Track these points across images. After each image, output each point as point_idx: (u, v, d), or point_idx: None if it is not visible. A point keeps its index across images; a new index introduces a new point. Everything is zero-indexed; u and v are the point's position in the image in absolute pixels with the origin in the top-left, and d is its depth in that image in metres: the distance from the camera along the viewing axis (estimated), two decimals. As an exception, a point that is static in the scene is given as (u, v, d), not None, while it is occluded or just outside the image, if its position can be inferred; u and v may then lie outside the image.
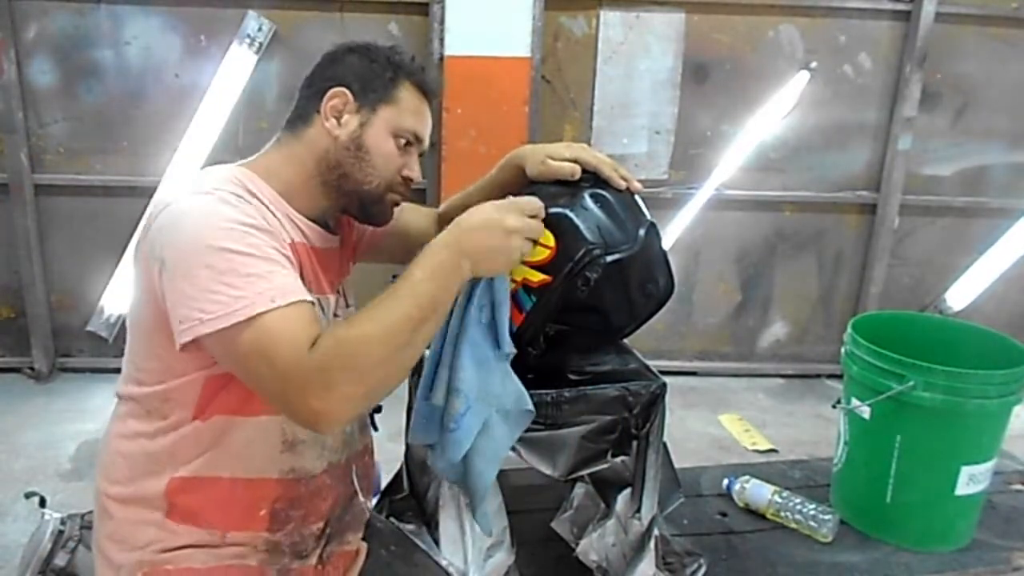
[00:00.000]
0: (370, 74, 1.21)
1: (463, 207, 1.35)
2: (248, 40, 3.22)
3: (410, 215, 1.49)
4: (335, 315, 1.27)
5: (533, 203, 1.14)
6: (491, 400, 1.15)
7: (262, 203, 1.14)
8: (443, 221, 1.44)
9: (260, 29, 3.22)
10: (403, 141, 1.23)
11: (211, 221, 1.04)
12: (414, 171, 1.26)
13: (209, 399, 1.13)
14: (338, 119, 1.20)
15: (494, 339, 1.16)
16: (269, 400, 1.06)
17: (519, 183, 1.32)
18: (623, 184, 1.27)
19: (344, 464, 1.31)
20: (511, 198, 1.16)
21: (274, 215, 1.15)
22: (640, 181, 1.31)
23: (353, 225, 1.39)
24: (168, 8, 3.25)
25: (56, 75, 3.29)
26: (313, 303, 1.07)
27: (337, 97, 1.19)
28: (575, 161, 1.27)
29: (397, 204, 1.28)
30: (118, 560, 1.17)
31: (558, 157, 1.27)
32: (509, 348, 1.16)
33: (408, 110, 1.23)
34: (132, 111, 3.34)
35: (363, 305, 1.06)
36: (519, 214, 1.11)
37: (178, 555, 1.16)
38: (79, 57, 3.27)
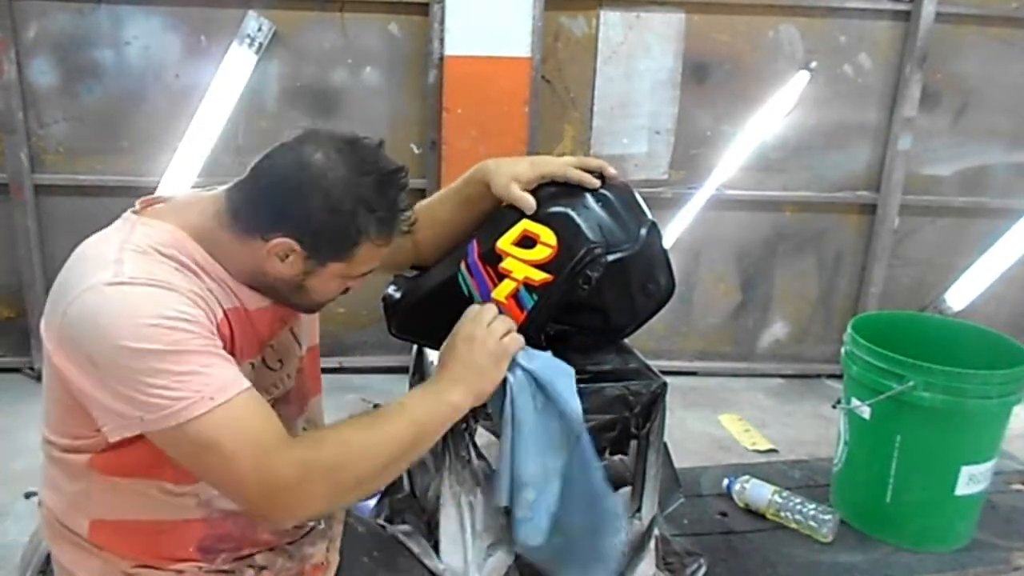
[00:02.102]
0: (328, 231, 1.08)
1: (429, 216, 1.35)
2: (248, 40, 3.22)
3: None
4: (268, 368, 1.21)
5: (490, 308, 1.20)
6: (557, 481, 1.19)
7: (192, 269, 1.08)
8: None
9: (260, 29, 3.21)
10: (350, 283, 1.17)
11: (134, 321, 0.98)
12: (356, 285, 1.19)
13: (114, 458, 1.09)
14: (281, 259, 1.10)
15: (556, 420, 1.17)
16: (220, 491, 1.08)
17: (486, 197, 1.30)
18: (596, 181, 1.26)
19: None
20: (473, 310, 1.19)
21: (205, 280, 1.09)
22: (640, 181, 1.32)
23: None
24: (168, 8, 3.24)
25: (56, 75, 3.28)
26: (248, 389, 1.03)
27: (282, 247, 1.08)
28: (542, 178, 1.25)
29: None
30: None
31: (523, 179, 1.25)
32: (578, 429, 1.18)
33: (363, 262, 1.13)
34: (132, 111, 3.33)
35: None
36: (488, 320, 1.17)
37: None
38: (79, 57, 3.27)
